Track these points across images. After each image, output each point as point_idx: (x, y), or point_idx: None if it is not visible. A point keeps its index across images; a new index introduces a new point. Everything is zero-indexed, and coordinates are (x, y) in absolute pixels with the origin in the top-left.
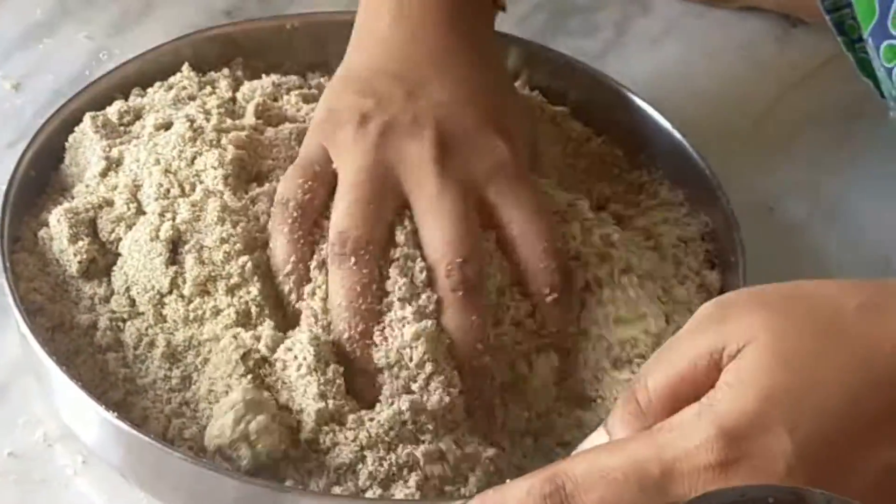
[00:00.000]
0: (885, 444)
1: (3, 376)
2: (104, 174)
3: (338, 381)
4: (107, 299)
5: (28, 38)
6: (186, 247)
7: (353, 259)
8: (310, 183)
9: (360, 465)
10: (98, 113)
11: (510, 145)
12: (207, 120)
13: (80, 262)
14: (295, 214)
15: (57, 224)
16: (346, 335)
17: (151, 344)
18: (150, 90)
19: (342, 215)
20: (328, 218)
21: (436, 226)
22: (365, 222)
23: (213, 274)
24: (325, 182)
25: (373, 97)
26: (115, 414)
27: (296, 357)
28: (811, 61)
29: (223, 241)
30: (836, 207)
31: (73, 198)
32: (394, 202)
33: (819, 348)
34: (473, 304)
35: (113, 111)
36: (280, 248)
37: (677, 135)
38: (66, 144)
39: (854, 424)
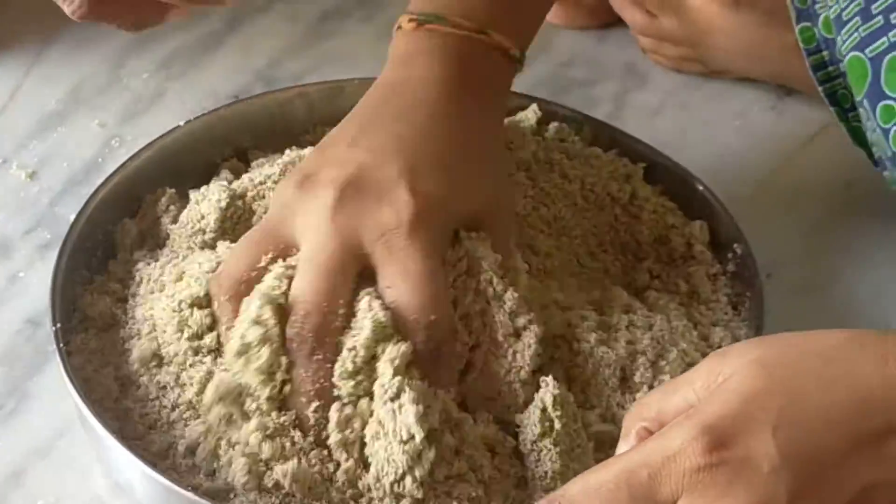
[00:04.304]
0: (864, 465)
1: (20, 461)
2: None
3: None
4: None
5: (43, 128)
6: None
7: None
8: None
9: None
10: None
11: (417, 205)
12: None
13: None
14: None
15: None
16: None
17: None
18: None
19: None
20: None
21: (299, 276)
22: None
23: None
24: None
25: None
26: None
27: None
28: (807, 129)
29: None
30: (834, 275)
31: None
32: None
33: (805, 367)
34: (308, 356)
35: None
36: None
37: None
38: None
39: (836, 440)
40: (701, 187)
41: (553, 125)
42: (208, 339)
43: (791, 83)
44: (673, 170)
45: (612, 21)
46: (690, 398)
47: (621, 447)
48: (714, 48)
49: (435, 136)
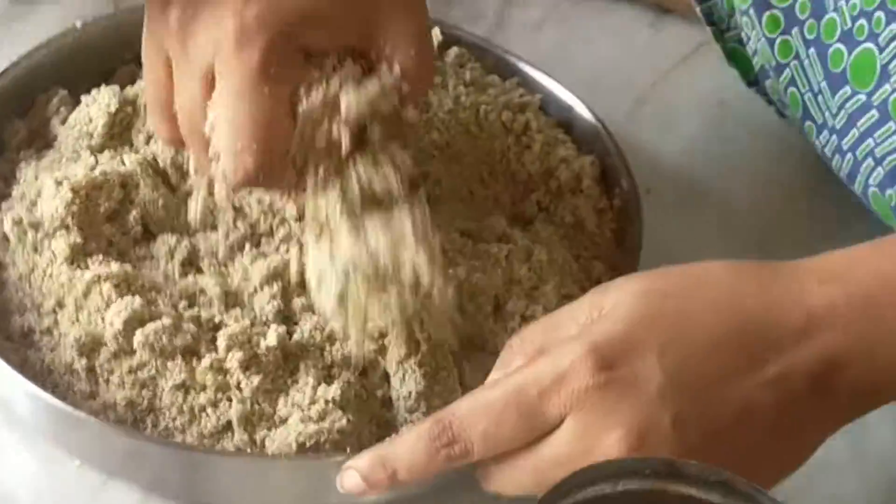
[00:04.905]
0: (745, 387)
1: None
2: None
3: None
4: None
5: None
6: None
7: None
8: None
9: None
10: None
11: (244, 16)
12: None
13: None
14: None
15: None
16: None
17: None
18: None
19: None
20: None
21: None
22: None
23: None
24: None
25: None
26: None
27: None
28: (683, 47)
29: None
30: (708, 191)
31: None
32: None
33: (688, 292)
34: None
35: None
36: None
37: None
38: None
39: (719, 362)
40: (596, 122)
41: (453, 50)
42: (64, 247)
43: (666, 2)
44: (569, 103)
45: None
46: (574, 333)
47: (494, 377)
48: None
49: None
